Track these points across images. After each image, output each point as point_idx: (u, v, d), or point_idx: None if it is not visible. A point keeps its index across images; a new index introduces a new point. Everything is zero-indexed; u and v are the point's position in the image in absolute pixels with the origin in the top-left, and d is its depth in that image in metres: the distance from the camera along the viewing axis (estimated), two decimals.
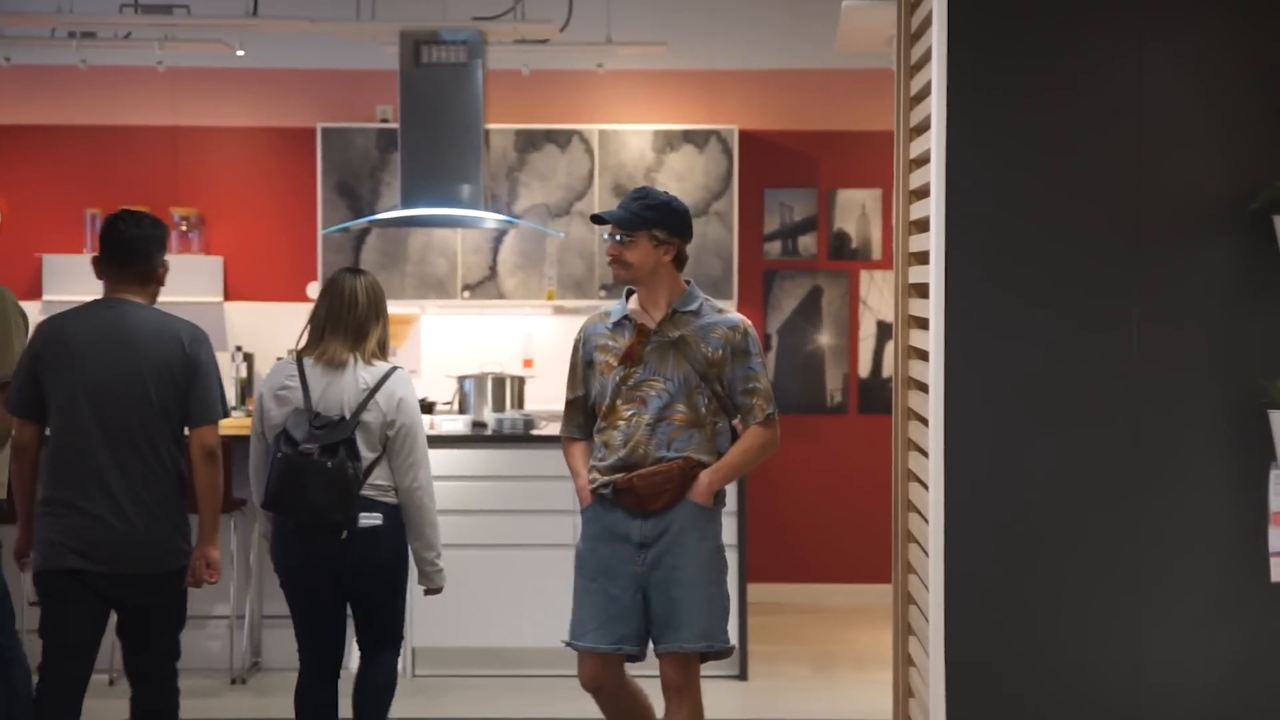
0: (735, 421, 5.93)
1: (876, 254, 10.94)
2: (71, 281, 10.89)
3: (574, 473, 5.99)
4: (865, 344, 10.97)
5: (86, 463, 5.96)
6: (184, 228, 10.91)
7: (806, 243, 10.97)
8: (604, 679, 5.87)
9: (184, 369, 6.03)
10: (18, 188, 11.04)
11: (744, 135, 10.79)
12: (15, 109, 10.97)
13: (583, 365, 5.94)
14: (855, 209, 10.95)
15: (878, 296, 10.90)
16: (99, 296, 6.18)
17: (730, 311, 5.93)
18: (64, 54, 10.20)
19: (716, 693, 8.42)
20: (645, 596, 5.81)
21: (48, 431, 6.08)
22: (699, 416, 5.79)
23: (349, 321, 6.28)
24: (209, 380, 6.08)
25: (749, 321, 5.93)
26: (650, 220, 5.79)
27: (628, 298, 5.93)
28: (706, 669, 8.47)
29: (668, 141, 10.72)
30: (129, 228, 6.11)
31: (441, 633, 8.62)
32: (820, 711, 8.25)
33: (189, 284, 10.87)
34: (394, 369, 6.32)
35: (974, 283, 4.80)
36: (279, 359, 6.66)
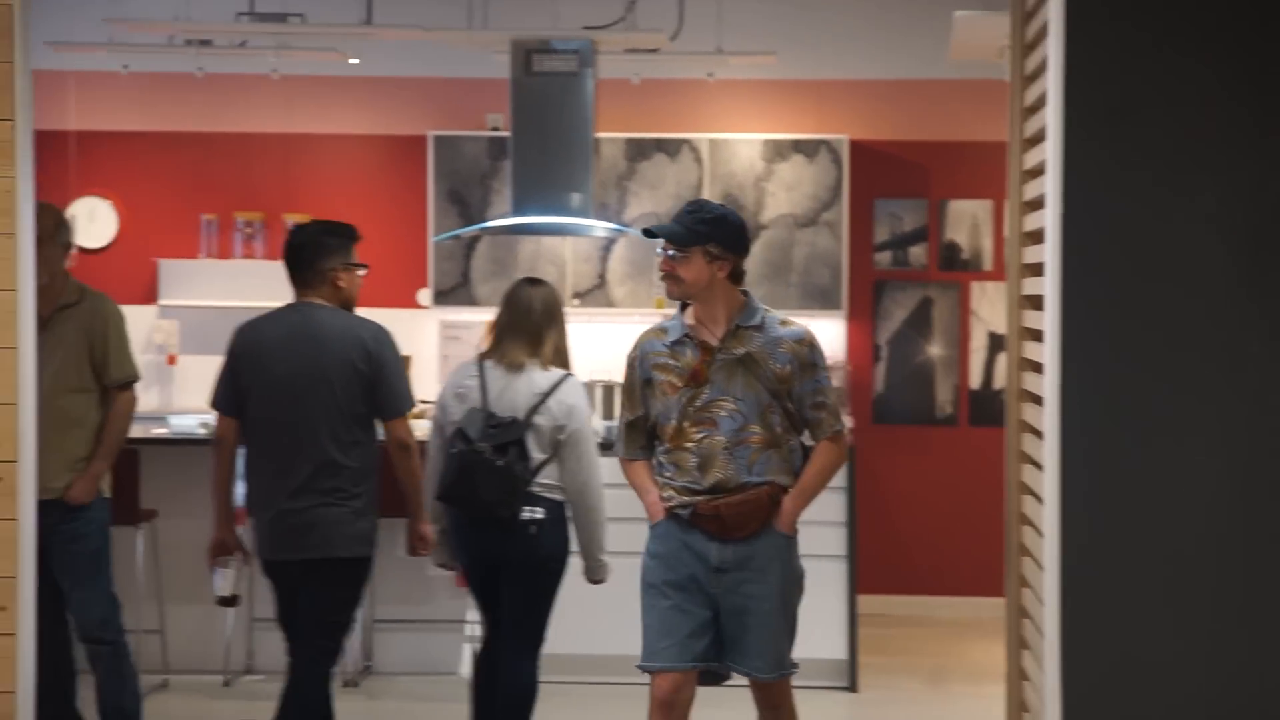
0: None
1: (988, 265, 10.87)
2: (187, 286, 11.01)
3: (642, 489, 5.77)
4: (976, 355, 10.90)
5: (278, 458, 6.42)
6: None
7: (917, 253, 10.92)
8: (678, 699, 5.74)
9: (369, 367, 6.41)
10: (135, 193, 11.17)
11: (854, 145, 10.75)
12: (133, 116, 11.10)
13: (640, 384, 5.73)
14: (966, 220, 10.89)
15: (989, 308, 10.83)
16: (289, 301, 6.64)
17: (793, 323, 5.76)
18: (181, 61, 10.32)
19: (825, 704, 8.41)
20: (716, 615, 5.70)
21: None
22: (774, 436, 5.63)
23: (526, 328, 6.65)
24: (394, 376, 6.47)
25: (812, 332, 5.76)
26: (703, 235, 5.61)
27: (683, 311, 5.74)
28: (815, 680, 8.56)
29: (777, 151, 10.70)
30: (298, 234, 6.62)
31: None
32: None
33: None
34: (566, 376, 6.65)
35: (1090, 295, 4.75)
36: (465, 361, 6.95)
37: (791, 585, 5.75)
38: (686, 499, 5.61)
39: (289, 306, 6.58)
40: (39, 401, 6.10)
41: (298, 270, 6.55)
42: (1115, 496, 4.81)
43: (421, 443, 6.74)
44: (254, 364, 6.47)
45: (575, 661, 8.61)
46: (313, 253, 6.53)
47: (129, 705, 6.99)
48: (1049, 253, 4.78)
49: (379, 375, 6.43)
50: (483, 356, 6.71)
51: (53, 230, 6.66)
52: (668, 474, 5.66)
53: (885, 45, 10.82)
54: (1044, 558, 4.89)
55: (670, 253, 5.62)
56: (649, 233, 5.69)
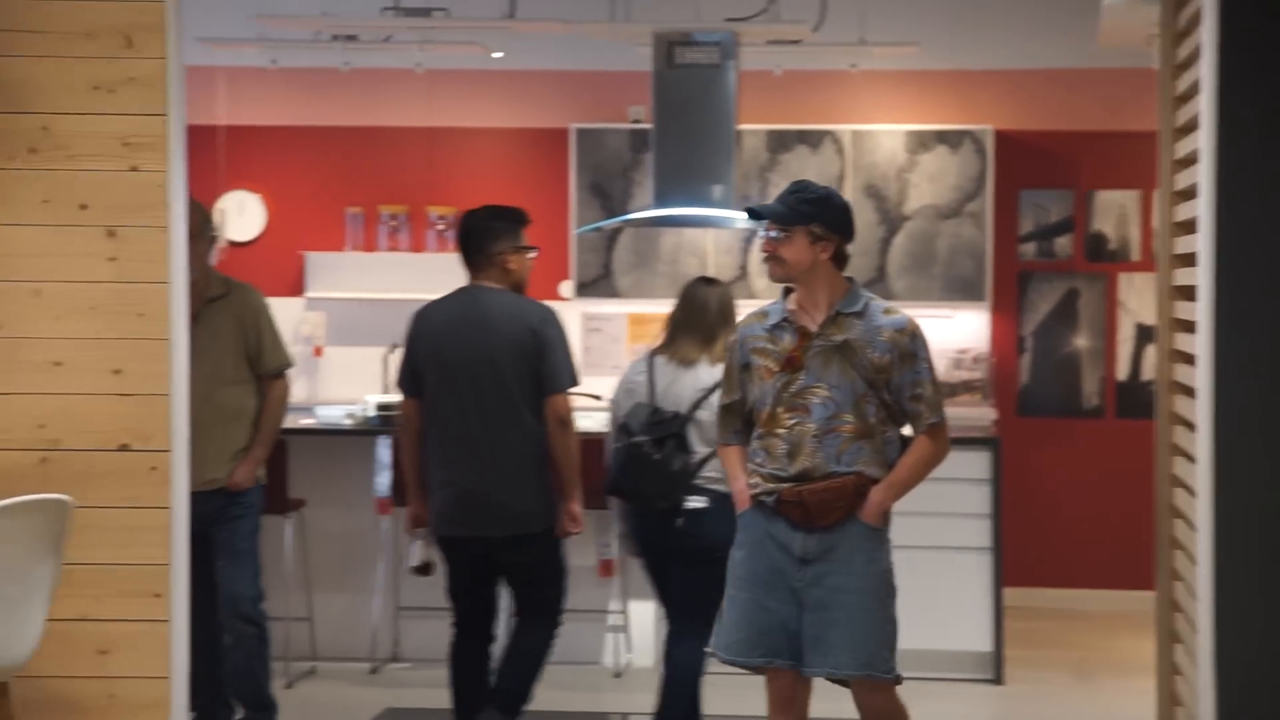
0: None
1: (1136, 256, 10.73)
2: (334, 278, 11.11)
3: (732, 477, 5.67)
4: (1123, 347, 10.77)
5: (452, 436, 6.67)
6: (441, 226, 11.07)
7: (1063, 244, 10.80)
8: (788, 696, 5.57)
9: (534, 346, 6.63)
10: (282, 187, 11.29)
11: (999, 135, 10.66)
12: (280, 110, 11.22)
13: (739, 368, 5.60)
14: (1114, 210, 10.76)
15: (1137, 299, 10.69)
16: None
17: (897, 311, 5.57)
18: (327, 56, 10.41)
19: (970, 697, 8.36)
20: (799, 611, 5.48)
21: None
22: (868, 426, 5.44)
23: (700, 326, 6.78)
24: (557, 354, 6.67)
25: (916, 322, 5.56)
26: (807, 215, 5.45)
27: (785, 296, 5.59)
28: (960, 673, 8.50)
29: (921, 142, 10.63)
30: (469, 219, 6.87)
31: None
32: (1080, 718, 8.11)
33: (446, 281, 10.97)
34: None
35: (1245, 286, 4.68)
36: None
37: (878, 580, 5.50)
38: (771, 486, 5.47)
39: (460, 290, 6.84)
40: (197, 396, 6.26)
41: (469, 254, 6.80)
42: (1269, 489, 4.74)
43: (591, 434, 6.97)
44: (426, 347, 6.74)
45: None
46: (482, 237, 6.77)
47: (266, 690, 7.08)
48: (1202, 243, 4.71)
49: (543, 352, 6.64)
50: (654, 352, 6.85)
51: (201, 226, 6.76)
52: (757, 460, 5.52)
53: (1030, 34, 10.70)
54: (1197, 551, 4.82)
55: (773, 233, 5.49)
56: (752, 212, 5.58)
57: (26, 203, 5.68)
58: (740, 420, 5.62)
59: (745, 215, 9.89)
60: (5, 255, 5.68)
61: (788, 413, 5.44)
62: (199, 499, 6.53)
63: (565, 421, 6.69)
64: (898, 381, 5.46)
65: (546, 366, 6.66)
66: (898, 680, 5.52)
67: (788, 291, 5.55)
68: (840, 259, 5.53)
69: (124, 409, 5.71)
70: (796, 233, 5.43)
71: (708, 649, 5.72)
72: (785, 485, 5.44)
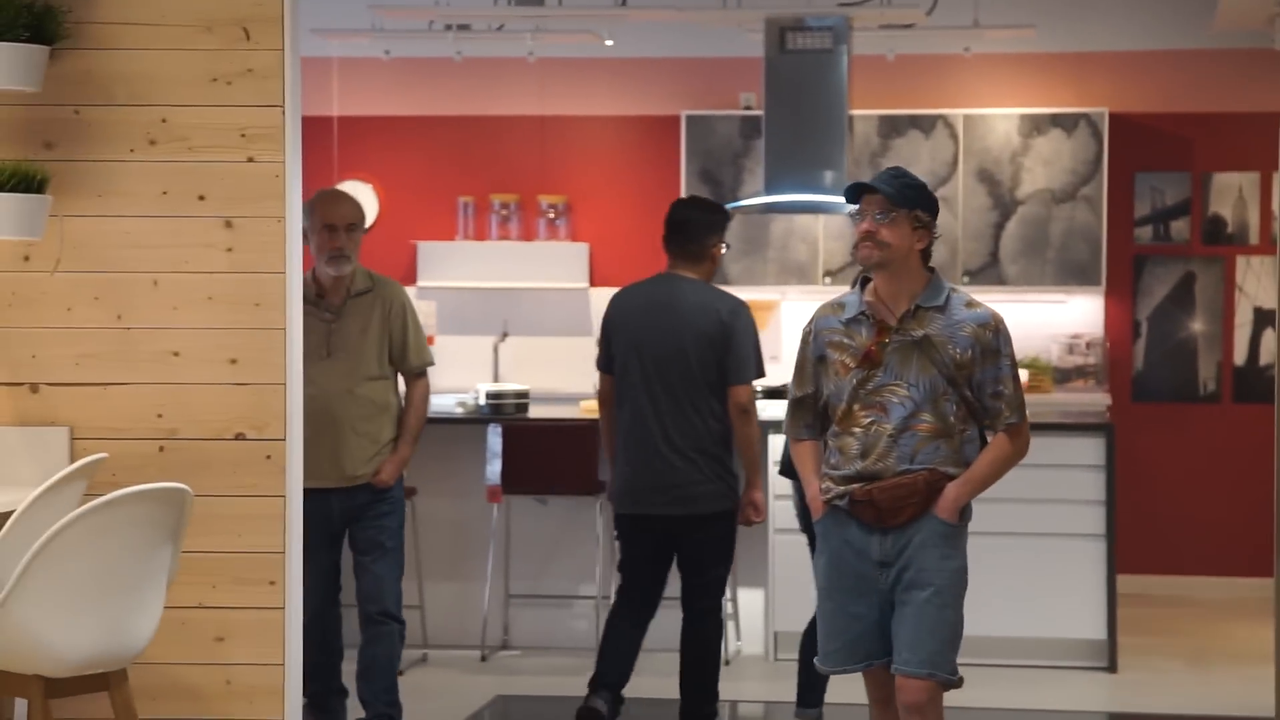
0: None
1: (1254, 239, 10.61)
2: (445, 267, 11.16)
3: (805, 480, 5.45)
4: (1241, 331, 10.64)
5: (638, 417, 6.91)
6: (551, 215, 11.08)
7: (1179, 228, 10.67)
8: (887, 694, 5.40)
9: (721, 336, 6.84)
10: (395, 177, 11.33)
11: (1114, 118, 10.55)
12: (393, 100, 11.27)
13: (813, 361, 5.36)
14: (1231, 193, 10.62)
15: (1254, 283, 10.56)
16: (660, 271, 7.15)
17: (980, 305, 5.30)
18: (440, 46, 10.43)
19: (1083, 684, 8.28)
20: (891, 610, 5.31)
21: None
22: (946, 425, 5.22)
23: None
24: (744, 346, 6.86)
25: (1000, 316, 5.29)
26: (913, 199, 5.20)
27: (861, 287, 5.31)
28: (1074, 660, 8.41)
29: (1035, 125, 10.53)
30: (683, 210, 7.13)
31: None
32: (1195, 707, 8.00)
33: (556, 270, 11.05)
34: None
35: None
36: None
37: (951, 578, 5.25)
38: (843, 489, 5.27)
39: (659, 277, 7.09)
40: (339, 389, 6.50)
41: (681, 244, 7.02)
42: None
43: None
44: (622, 329, 6.99)
45: None
46: (698, 229, 7.03)
47: (396, 689, 7.05)
48: None
49: (729, 343, 6.84)
50: None
51: (355, 219, 6.89)
52: (832, 461, 5.32)
53: (1146, 15, 10.59)
54: None
55: (878, 214, 5.18)
56: (858, 188, 5.24)
57: (146, 194, 5.70)
58: (813, 415, 5.40)
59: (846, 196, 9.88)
60: (124, 247, 5.71)
61: (864, 410, 5.24)
62: (341, 495, 6.79)
63: (746, 410, 6.88)
64: (979, 378, 5.23)
65: (732, 357, 6.86)
66: (959, 683, 5.32)
67: (865, 282, 5.30)
68: (928, 252, 5.28)
69: (239, 398, 5.72)
70: (901, 215, 5.17)
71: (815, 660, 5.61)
72: (856, 486, 5.24)
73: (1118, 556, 8.59)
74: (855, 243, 5.21)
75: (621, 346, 6.98)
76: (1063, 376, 10.71)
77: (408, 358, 6.98)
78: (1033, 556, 8.44)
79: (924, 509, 5.20)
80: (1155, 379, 10.71)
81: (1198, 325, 10.69)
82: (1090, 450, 8.47)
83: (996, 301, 10.53)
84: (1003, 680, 8.27)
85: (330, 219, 6.82)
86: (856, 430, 5.23)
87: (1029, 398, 10.02)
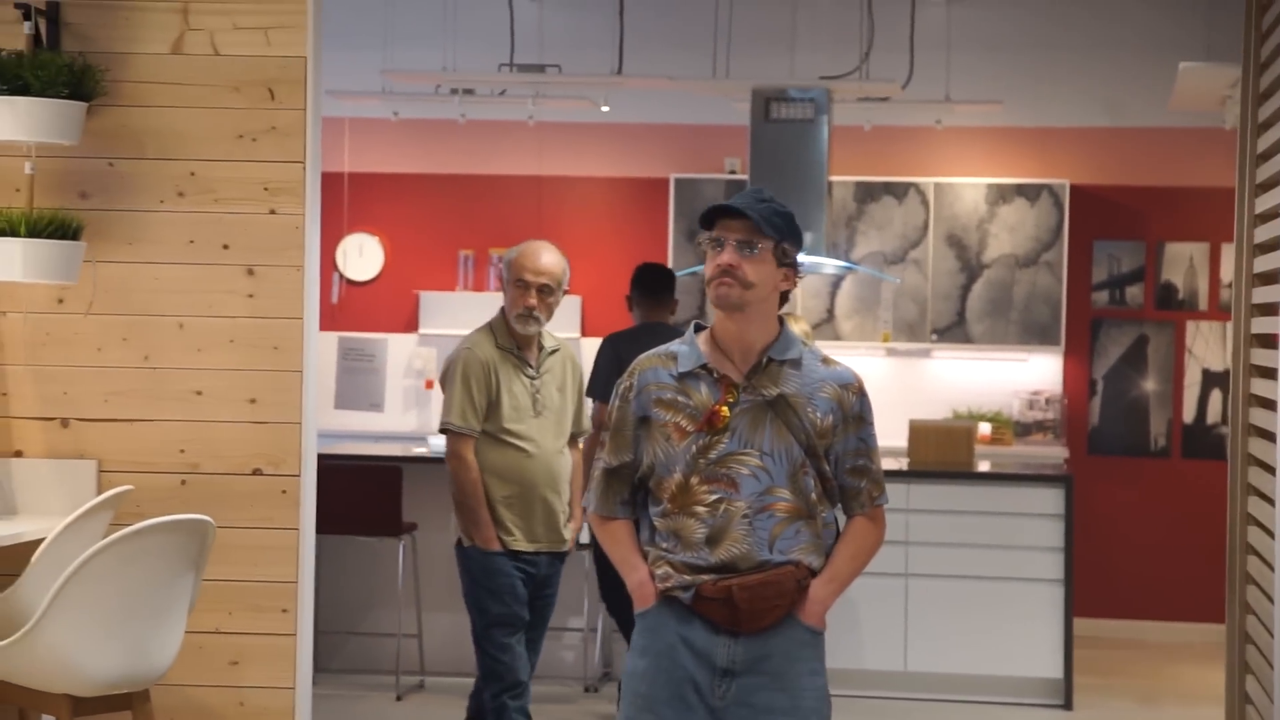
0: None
1: (1203, 305, 10.64)
2: (446, 316, 11.16)
3: (624, 563, 4.12)
4: (1190, 391, 10.66)
5: None
6: None
7: (1134, 293, 10.71)
8: None
9: None
10: (400, 230, 11.35)
11: (1075, 189, 10.59)
12: (400, 158, 11.29)
13: (634, 423, 4.07)
14: (1183, 261, 10.66)
15: (1203, 346, 10.60)
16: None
17: (837, 363, 4.12)
18: (446, 109, 10.48)
19: None
20: None
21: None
22: (807, 505, 4.02)
23: None
24: None
25: (860, 377, 4.14)
26: (778, 229, 3.99)
27: (695, 333, 4.10)
28: (1031, 698, 8.42)
29: (1000, 195, 10.58)
30: (656, 271, 8.07)
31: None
32: None
33: (551, 320, 11.04)
34: None
35: None
36: None
37: (819, 698, 4.06)
38: (687, 578, 4.00)
39: (646, 325, 7.86)
40: (552, 449, 6.11)
41: (658, 297, 7.92)
42: None
43: None
44: (613, 371, 7.12)
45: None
46: (669, 286, 7.96)
47: None
48: None
49: None
50: None
51: (559, 280, 6.23)
52: (664, 545, 4.04)
53: (1106, 94, 10.64)
54: (1275, 591, 4.74)
55: (740, 245, 3.97)
56: (724, 209, 4.02)
57: (173, 242, 5.74)
58: (629, 489, 4.13)
59: (835, 262, 9.88)
60: (153, 292, 5.74)
61: (706, 485, 3.99)
62: (548, 560, 6.18)
63: None
64: (839, 449, 4.06)
65: None
66: None
67: (698, 329, 4.12)
68: (786, 297, 4.09)
69: (258, 436, 5.75)
70: (768, 248, 3.99)
71: None
72: (706, 578, 3.99)
73: (1074, 600, 8.60)
74: (709, 278, 4.00)
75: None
76: (1023, 430, 10.74)
77: (580, 420, 6.42)
78: (994, 599, 8.45)
79: (789, 611, 4.03)
80: (1110, 434, 10.73)
81: (1150, 384, 10.72)
82: (1050, 500, 8.48)
83: (963, 358, 10.73)
84: (963, 716, 8.28)
85: (522, 274, 6.15)
86: (699, 510, 3.99)
87: (991, 450, 10.24)
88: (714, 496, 3.97)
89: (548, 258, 6.20)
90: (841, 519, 4.12)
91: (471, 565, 6.19)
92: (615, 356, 7.57)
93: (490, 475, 6.09)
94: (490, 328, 6.22)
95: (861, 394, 4.07)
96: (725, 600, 3.96)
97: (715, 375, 4.00)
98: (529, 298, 6.12)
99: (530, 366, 6.18)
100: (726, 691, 4.00)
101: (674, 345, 4.09)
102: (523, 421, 6.07)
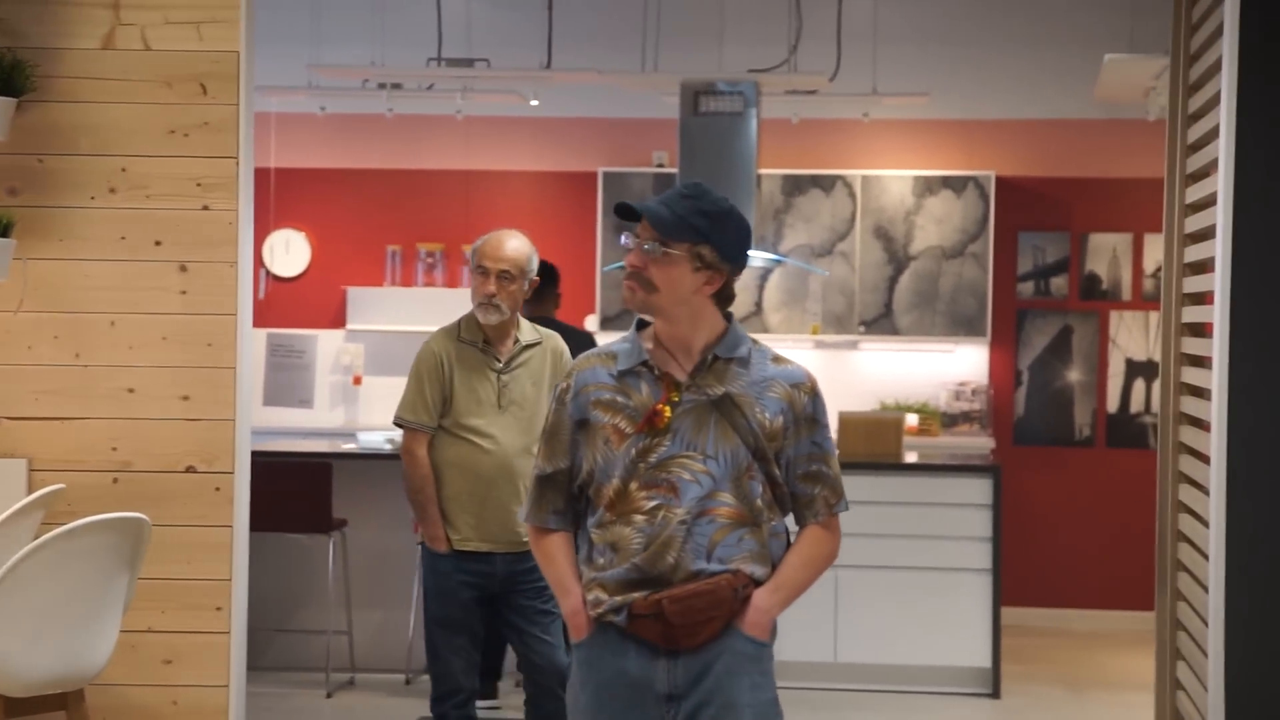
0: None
1: (1127, 295, 10.74)
2: (373, 311, 11.11)
3: (559, 585, 3.86)
4: (1114, 381, 10.75)
5: None
6: None
7: (1058, 284, 10.79)
8: None
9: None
10: (327, 226, 11.29)
11: (1000, 181, 10.66)
12: (327, 153, 11.23)
13: (571, 426, 3.83)
14: (1107, 252, 10.75)
15: (1127, 336, 10.69)
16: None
17: (789, 361, 3.88)
18: (373, 103, 10.42)
19: (969, 709, 8.33)
20: None
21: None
22: (752, 511, 3.76)
23: None
24: None
25: (814, 376, 3.89)
26: (698, 230, 3.75)
27: (639, 330, 3.88)
28: (960, 687, 8.48)
29: (927, 187, 10.63)
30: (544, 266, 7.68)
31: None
32: None
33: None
34: None
35: (1259, 322, 4.66)
36: None
37: (768, 711, 3.82)
38: (619, 599, 3.74)
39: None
40: (516, 446, 5.87)
41: (536, 291, 7.32)
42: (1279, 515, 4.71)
43: None
44: None
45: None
46: (549, 281, 7.96)
47: None
48: (1219, 283, 4.69)
49: None
50: None
51: (526, 268, 6.01)
52: (599, 561, 3.78)
53: (1031, 86, 10.71)
54: (1209, 579, 4.79)
55: (647, 245, 3.76)
56: (625, 209, 3.81)
57: (105, 239, 5.69)
58: (565, 498, 3.87)
59: (763, 254, 9.88)
60: (84, 289, 5.69)
61: (645, 490, 3.74)
62: (506, 560, 5.95)
63: None
64: (791, 454, 3.82)
65: None
66: None
67: (641, 325, 3.89)
68: (725, 297, 3.85)
69: (191, 433, 5.71)
70: (679, 251, 3.75)
71: None
72: (638, 595, 3.73)
73: (1001, 589, 8.66)
74: (623, 277, 3.83)
75: None
76: (950, 421, 10.80)
77: None
78: (923, 589, 8.50)
79: (727, 624, 3.75)
80: (1035, 424, 10.81)
81: (1074, 375, 10.80)
82: (978, 490, 8.54)
83: (890, 350, 10.77)
84: (893, 705, 8.32)
85: (482, 261, 5.97)
86: (637, 518, 3.74)
87: (919, 441, 10.29)
88: (653, 503, 3.73)
89: (510, 244, 5.97)
90: (794, 530, 3.89)
91: (422, 561, 6.12)
92: None
93: (445, 471, 5.94)
94: (459, 321, 6.06)
95: (814, 394, 3.84)
96: (657, 616, 3.71)
97: (657, 373, 3.79)
98: (488, 285, 5.91)
99: (498, 360, 5.98)
100: (674, 717, 3.77)
101: (614, 344, 3.88)
102: (482, 416, 5.93)
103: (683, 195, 3.77)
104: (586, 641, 3.80)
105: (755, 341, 3.87)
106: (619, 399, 3.78)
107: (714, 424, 3.75)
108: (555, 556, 3.86)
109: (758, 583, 3.77)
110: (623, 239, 3.83)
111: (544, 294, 8.02)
